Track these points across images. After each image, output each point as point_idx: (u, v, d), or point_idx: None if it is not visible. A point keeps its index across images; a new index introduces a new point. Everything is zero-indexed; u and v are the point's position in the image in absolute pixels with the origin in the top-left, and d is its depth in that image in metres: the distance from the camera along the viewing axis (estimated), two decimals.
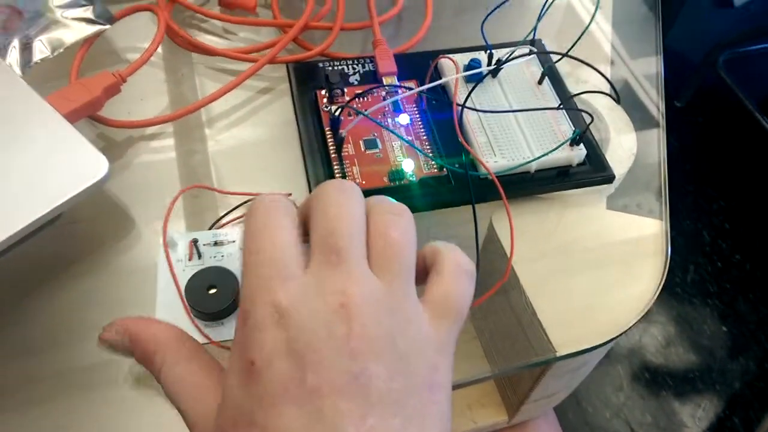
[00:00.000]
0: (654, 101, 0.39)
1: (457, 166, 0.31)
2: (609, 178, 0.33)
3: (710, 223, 1.01)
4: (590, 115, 0.32)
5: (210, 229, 0.28)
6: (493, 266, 0.30)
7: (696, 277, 0.96)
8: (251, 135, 0.33)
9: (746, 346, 0.90)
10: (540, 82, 0.35)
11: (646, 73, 0.41)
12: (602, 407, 0.84)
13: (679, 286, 0.95)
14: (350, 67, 0.35)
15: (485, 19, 0.34)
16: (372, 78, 0.35)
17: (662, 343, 0.90)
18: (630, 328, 0.29)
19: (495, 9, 0.35)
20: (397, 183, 0.30)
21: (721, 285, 0.95)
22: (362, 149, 0.31)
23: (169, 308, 0.25)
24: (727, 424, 0.84)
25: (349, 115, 0.32)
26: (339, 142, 0.30)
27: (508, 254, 0.29)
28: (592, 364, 0.36)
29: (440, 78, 0.35)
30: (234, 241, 0.27)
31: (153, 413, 0.25)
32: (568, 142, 0.32)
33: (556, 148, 0.31)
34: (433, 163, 0.31)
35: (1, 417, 0.24)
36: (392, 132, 0.32)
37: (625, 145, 0.36)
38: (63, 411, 0.25)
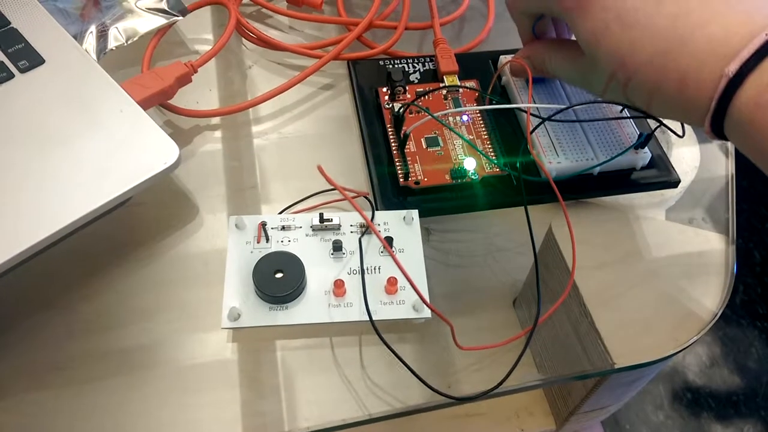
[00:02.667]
0: None
1: (516, 167, 0.30)
2: (674, 182, 0.32)
3: (762, 243, 0.97)
4: (658, 120, 0.31)
5: (279, 213, 0.29)
6: (551, 272, 0.30)
7: (745, 297, 0.93)
8: (311, 129, 0.34)
9: None
10: None
11: None
12: (641, 425, 0.81)
13: (727, 307, 0.91)
14: (410, 65, 0.35)
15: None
16: (432, 76, 0.35)
17: (706, 364, 0.87)
18: (691, 344, 0.28)
19: None
20: (460, 181, 0.30)
21: None
22: (424, 146, 0.31)
23: (236, 287, 0.26)
24: None
25: (410, 113, 0.32)
26: (403, 140, 0.30)
27: (567, 261, 0.29)
28: (646, 379, 0.35)
29: (501, 78, 0.34)
30: (301, 227, 0.27)
31: (210, 395, 0.25)
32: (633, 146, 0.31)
33: (622, 153, 0.30)
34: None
35: (60, 392, 0.25)
36: (453, 131, 0.31)
37: (688, 157, 0.35)
38: (120, 389, 0.25)
